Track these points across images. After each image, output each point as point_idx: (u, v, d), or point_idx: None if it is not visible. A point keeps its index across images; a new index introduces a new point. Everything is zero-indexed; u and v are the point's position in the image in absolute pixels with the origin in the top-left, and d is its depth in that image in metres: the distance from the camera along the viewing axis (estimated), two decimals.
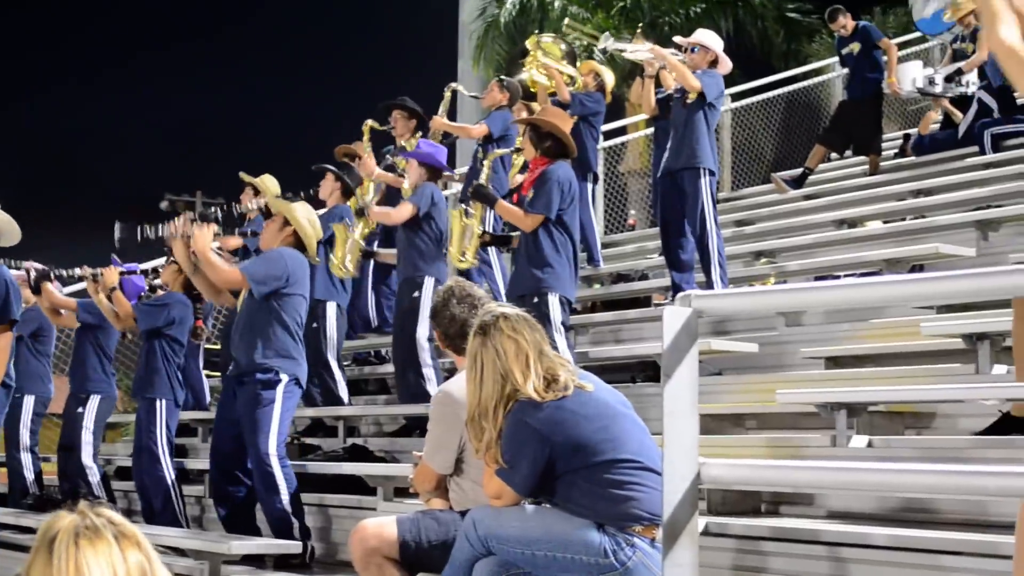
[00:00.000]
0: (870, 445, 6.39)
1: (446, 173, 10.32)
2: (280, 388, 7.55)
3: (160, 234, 8.30)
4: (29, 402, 10.35)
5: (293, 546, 7.26)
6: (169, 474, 8.82)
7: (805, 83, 17.29)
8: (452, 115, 11.60)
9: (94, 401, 9.69)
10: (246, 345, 7.72)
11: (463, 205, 9.29)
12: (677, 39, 10.47)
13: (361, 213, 9.84)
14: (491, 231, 9.77)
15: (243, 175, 10.89)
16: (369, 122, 11.33)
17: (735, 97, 16.26)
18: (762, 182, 15.48)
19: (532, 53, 11.41)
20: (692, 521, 3.23)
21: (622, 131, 16.51)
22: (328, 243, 9.69)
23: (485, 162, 9.83)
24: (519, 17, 23.17)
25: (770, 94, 16.88)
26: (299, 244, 7.89)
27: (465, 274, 10.68)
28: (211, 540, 7.35)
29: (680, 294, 3.34)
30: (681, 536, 3.22)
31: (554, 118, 8.62)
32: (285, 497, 7.45)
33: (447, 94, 11.39)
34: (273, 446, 7.46)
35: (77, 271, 9.51)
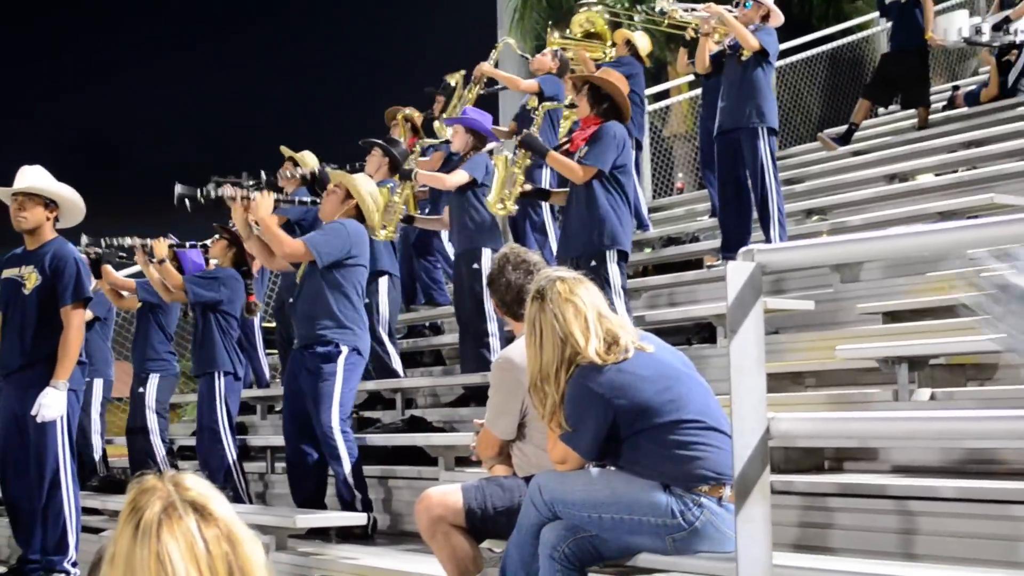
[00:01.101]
0: (933, 398, 6.34)
1: (491, 144, 10.23)
2: (341, 360, 7.57)
3: (221, 194, 8.19)
4: (99, 386, 10.49)
5: (357, 518, 7.30)
6: (231, 451, 8.88)
7: (849, 39, 17.13)
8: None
9: (154, 380, 9.76)
10: (307, 317, 7.74)
11: (507, 153, 9.13)
12: None
13: (407, 176, 9.67)
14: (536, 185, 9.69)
15: (283, 148, 10.92)
16: (404, 111, 11.43)
17: (780, 55, 16.11)
18: (810, 140, 15.36)
19: (556, 38, 11.40)
20: (763, 476, 3.22)
21: (665, 95, 16.42)
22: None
23: (538, 112, 9.71)
24: None
25: (814, 51, 16.73)
26: (359, 216, 7.92)
27: (520, 241, 10.75)
28: (276, 514, 7.40)
29: (743, 249, 3.32)
30: (753, 491, 3.21)
31: (615, 80, 8.59)
32: (347, 469, 7.48)
33: (499, 45, 11.40)
34: (336, 419, 7.49)
35: (128, 240, 9.53)
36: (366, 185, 8.03)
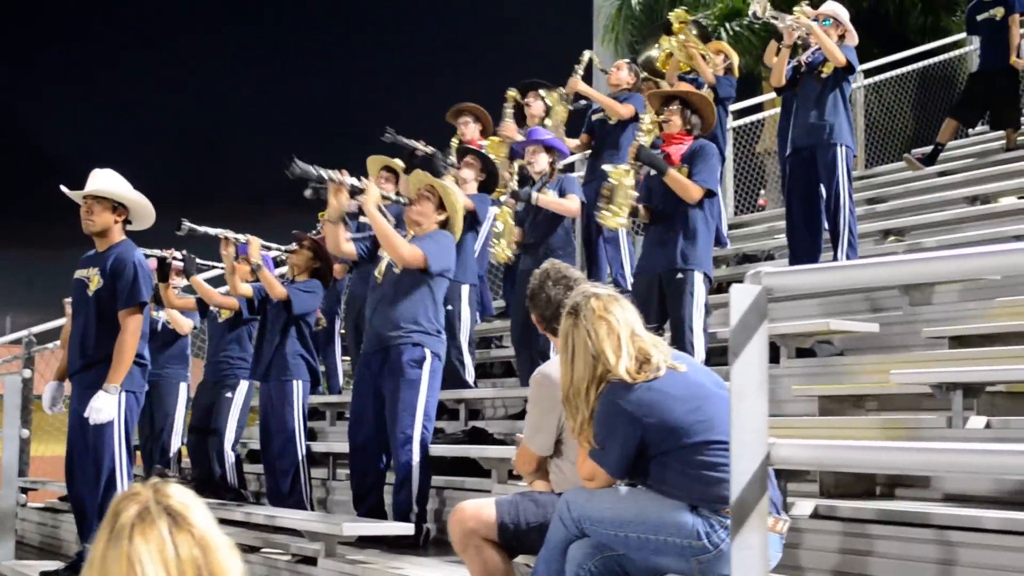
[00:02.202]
0: (988, 426, 6.22)
1: (562, 159, 10.17)
2: (427, 366, 7.65)
3: (330, 176, 8.11)
4: (183, 388, 10.70)
5: (404, 527, 7.31)
6: (301, 456, 8.93)
7: (941, 57, 16.87)
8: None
9: (244, 386, 9.88)
10: (391, 320, 7.76)
11: (626, 165, 8.93)
12: (806, 9, 10.15)
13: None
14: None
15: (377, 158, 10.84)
16: (512, 92, 11.38)
17: (868, 73, 15.94)
18: (898, 159, 15.16)
19: (677, 32, 11.27)
20: (762, 503, 3.17)
21: (757, 109, 16.25)
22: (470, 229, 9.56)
23: (646, 124, 9.52)
24: None
25: (905, 69, 16.50)
26: (445, 223, 7.98)
27: (593, 255, 10.72)
28: (325, 521, 7.44)
29: (751, 271, 3.28)
30: (750, 518, 3.16)
31: (706, 97, 8.56)
32: (415, 481, 7.54)
33: (584, 58, 11.30)
34: (418, 428, 7.54)
35: (219, 231, 9.27)
36: (461, 199, 8.12)
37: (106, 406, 7.33)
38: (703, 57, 11.19)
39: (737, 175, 15.15)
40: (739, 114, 15.34)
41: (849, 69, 9.61)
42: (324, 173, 7.78)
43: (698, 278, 8.06)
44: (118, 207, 7.65)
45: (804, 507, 5.85)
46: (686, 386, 4.70)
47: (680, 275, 8.00)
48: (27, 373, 11.75)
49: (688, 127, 8.32)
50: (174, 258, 9.73)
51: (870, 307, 9.10)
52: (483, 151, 10.19)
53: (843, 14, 9.86)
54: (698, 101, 8.39)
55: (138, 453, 11.69)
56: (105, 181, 7.66)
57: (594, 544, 4.72)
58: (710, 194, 8.15)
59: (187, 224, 9.01)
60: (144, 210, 7.79)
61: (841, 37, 9.77)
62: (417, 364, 7.63)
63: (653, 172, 8.29)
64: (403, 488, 7.55)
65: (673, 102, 8.42)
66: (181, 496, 2.63)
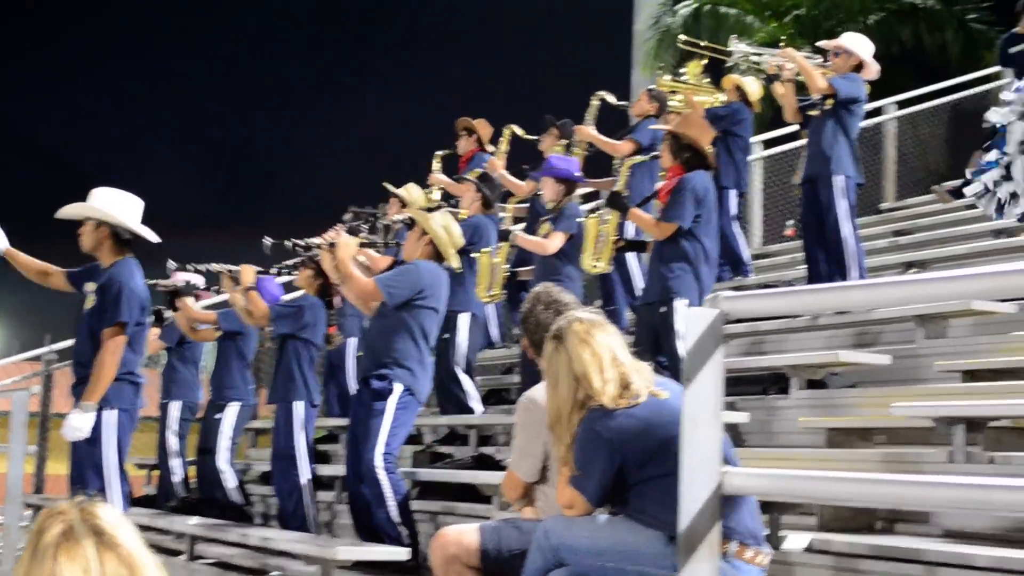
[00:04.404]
0: (991, 461, 6.09)
1: (580, 184, 10.20)
2: (393, 398, 7.57)
3: (307, 244, 8.42)
4: (175, 408, 10.64)
5: (399, 552, 7.23)
6: (304, 479, 8.90)
7: (974, 90, 16.72)
8: (603, 123, 11.48)
9: (233, 408, 9.89)
10: (369, 352, 7.84)
11: (599, 212, 9.17)
12: (821, 43, 10.23)
13: (505, 236, 9.75)
14: (629, 238, 9.73)
15: (387, 185, 10.97)
16: (513, 127, 11.43)
17: (902, 105, 15.84)
18: (928, 192, 15.01)
19: (666, 81, 11.33)
20: (712, 532, 3.10)
21: (788, 139, 16.11)
22: (468, 257, 9.66)
23: (621, 169, 9.76)
24: (693, 26, 22.95)
25: (938, 101, 16.35)
26: (437, 253, 7.93)
27: (604, 278, 10.69)
28: (319, 544, 7.39)
29: (709, 295, 3.21)
30: (700, 547, 3.09)
31: (695, 129, 8.51)
32: (392, 507, 7.46)
33: (594, 103, 11.31)
34: (380, 457, 7.47)
35: (213, 266, 9.61)
36: (439, 219, 8.03)
37: (81, 424, 7.27)
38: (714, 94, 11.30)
39: (767, 205, 15.04)
40: (769, 144, 15.23)
41: (839, 97, 9.51)
42: (296, 245, 8.07)
43: (679, 307, 8.01)
44: (100, 226, 7.60)
45: (800, 541, 5.75)
46: (668, 413, 4.61)
47: (664, 307, 8.05)
48: (34, 389, 11.76)
49: (678, 161, 8.31)
50: (179, 284, 9.95)
51: (886, 339, 8.98)
52: (467, 176, 10.33)
53: (855, 45, 9.77)
54: (685, 137, 8.38)
55: (142, 472, 11.75)
56: (93, 200, 7.61)
57: (572, 573, 4.65)
58: (679, 230, 8.14)
59: (172, 265, 9.38)
60: (129, 227, 7.65)
61: (857, 68, 9.69)
62: (382, 396, 7.59)
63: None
64: (383, 514, 7.49)
65: (667, 137, 8.48)
66: (108, 515, 2.59)
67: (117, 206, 7.56)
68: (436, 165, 11.91)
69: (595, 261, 9.02)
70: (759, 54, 10.41)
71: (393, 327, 7.72)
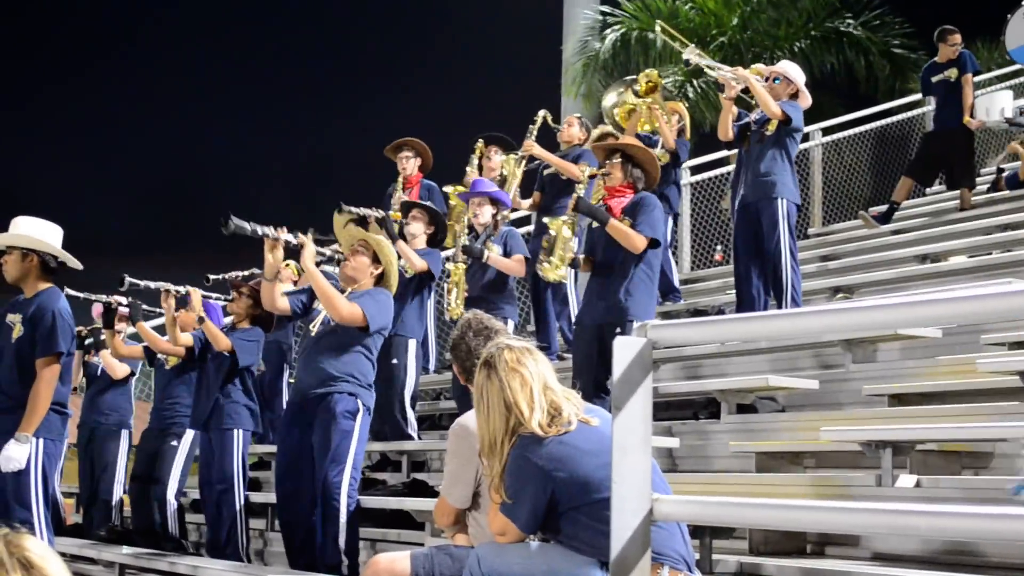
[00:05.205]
0: (918, 485, 6.18)
1: (505, 210, 10.19)
2: (359, 417, 7.59)
3: (262, 233, 8.10)
4: (124, 436, 10.58)
5: None
6: (239, 506, 8.82)
7: (898, 117, 16.98)
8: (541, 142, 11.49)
9: (189, 435, 9.76)
10: (325, 372, 7.70)
11: (566, 217, 8.95)
12: (759, 67, 10.27)
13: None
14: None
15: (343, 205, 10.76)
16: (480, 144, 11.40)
17: (827, 131, 16.04)
18: (855, 217, 15.19)
19: (644, 94, 11.28)
20: (643, 560, 3.12)
21: (717, 165, 16.22)
22: (416, 284, 9.62)
23: (584, 177, 9.52)
24: (620, 51, 23.10)
25: (863, 128, 16.59)
26: (380, 279, 7.94)
27: (541, 309, 10.69)
28: (250, 574, 7.35)
29: (637, 324, 3.24)
30: (631, 574, 3.11)
31: (645, 151, 8.53)
32: (343, 531, 7.45)
33: (538, 119, 11.26)
34: (347, 479, 7.45)
35: (160, 284, 9.28)
36: (393, 253, 8.07)
37: (16, 454, 7.18)
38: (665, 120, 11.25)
39: (695, 230, 15.14)
40: (697, 169, 15.34)
41: (790, 125, 9.62)
42: (260, 229, 7.75)
43: (632, 328, 8.00)
44: (28, 254, 7.52)
45: (728, 564, 5.80)
46: (598, 440, 4.63)
47: (619, 328, 7.93)
48: None
49: (630, 180, 8.29)
50: (120, 304, 9.66)
51: (816, 363, 9.08)
52: (427, 204, 10.18)
53: (795, 74, 9.90)
54: (641, 155, 8.36)
55: (71, 501, 11.59)
56: (15, 228, 7.54)
57: None
58: (654, 243, 8.10)
59: (128, 279, 9.06)
60: (56, 254, 7.60)
61: (794, 96, 9.81)
62: (351, 415, 7.57)
63: (596, 224, 8.27)
64: (332, 539, 7.45)
65: (615, 155, 8.40)
66: (36, 547, 2.57)
67: (44, 234, 7.50)
68: (398, 195, 11.61)
69: (557, 268, 8.84)
70: (712, 68, 10.39)
71: (351, 345, 7.71)
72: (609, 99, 11.56)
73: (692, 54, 10.63)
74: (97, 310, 10.39)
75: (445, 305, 9.89)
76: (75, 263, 7.59)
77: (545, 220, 9.12)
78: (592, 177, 10.23)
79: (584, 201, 8.49)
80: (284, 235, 7.79)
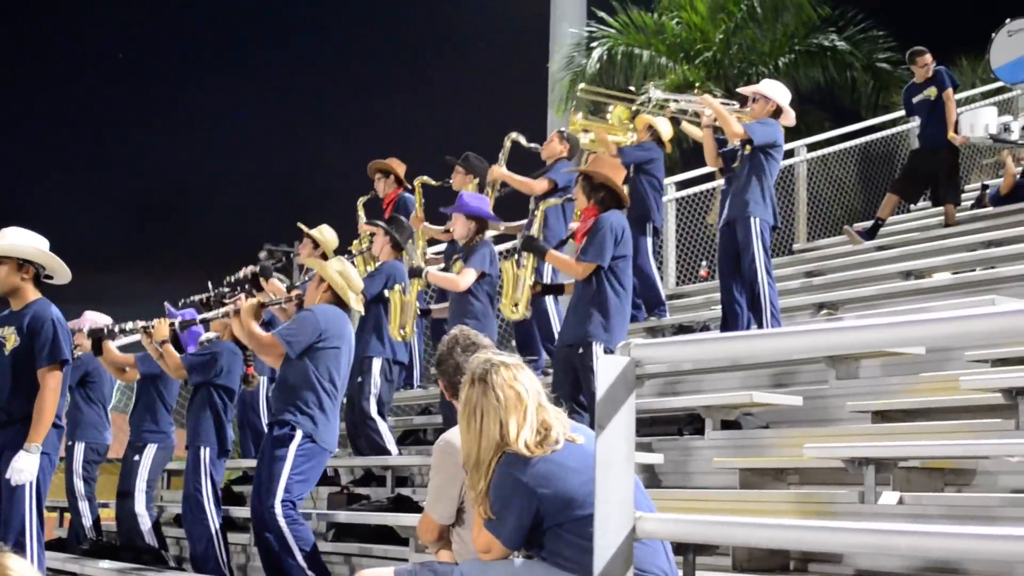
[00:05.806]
0: (901, 502, 6.19)
1: (493, 224, 10.27)
2: (293, 444, 7.58)
3: (215, 314, 8.57)
4: (80, 450, 10.51)
5: None
6: (213, 522, 8.85)
7: (884, 133, 17.04)
8: (516, 165, 11.55)
9: (150, 450, 9.78)
10: (275, 398, 7.94)
11: (515, 256, 9.20)
12: (740, 89, 10.41)
13: (416, 273, 9.82)
14: (546, 281, 9.78)
15: (301, 225, 10.95)
16: (422, 178, 11.50)
17: (812, 147, 16.08)
18: (840, 233, 15.23)
19: (578, 120, 11.38)
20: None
21: (702, 180, 16.23)
22: (381, 302, 9.77)
23: (537, 212, 9.83)
24: (607, 67, 23.16)
25: (848, 144, 16.64)
26: (338, 299, 7.95)
27: (520, 325, 10.71)
28: None
29: (620, 343, 3.25)
30: None
31: (607, 168, 8.59)
32: (299, 557, 7.43)
33: (507, 143, 11.35)
34: (278, 502, 7.46)
35: (129, 324, 9.56)
36: (335, 265, 8.10)
37: (28, 466, 7.17)
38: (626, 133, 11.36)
39: (680, 246, 15.15)
40: (683, 185, 15.36)
41: (754, 144, 9.65)
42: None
43: (597, 351, 8.05)
44: (23, 265, 7.51)
45: None
46: (583, 457, 4.63)
47: (582, 349, 8.09)
48: None
49: (593, 202, 8.41)
50: (94, 327, 9.85)
51: (799, 380, 9.10)
52: (381, 222, 10.41)
53: (772, 92, 9.93)
54: (598, 176, 8.46)
55: (54, 515, 11.54)
56: (5, 239, 7.53)
57: None
58: (599, 269, 8.20)
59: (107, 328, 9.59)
60: (52, 265, 7.62)
61: (776, 114, 9.84)
62: (283, 443, 7.63)
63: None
64: (284, 561, 7.46)
65: (579, 179, 8.57)
66: (18, 566, 2.58)
67: (37, 245, 7.51)
68: (361, 213, 11.84)
69: (514, 306, 9.06)
70: (676, 100, 10.50)
71: (296, 374, 7.79)
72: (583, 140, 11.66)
73: (654, 93, 10.70)
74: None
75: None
76: (67, 276, 7.63)
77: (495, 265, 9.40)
78: (554, 191, 10.46)
79: (526, 237, 8.89)
80: (222, 311, 8.15)
